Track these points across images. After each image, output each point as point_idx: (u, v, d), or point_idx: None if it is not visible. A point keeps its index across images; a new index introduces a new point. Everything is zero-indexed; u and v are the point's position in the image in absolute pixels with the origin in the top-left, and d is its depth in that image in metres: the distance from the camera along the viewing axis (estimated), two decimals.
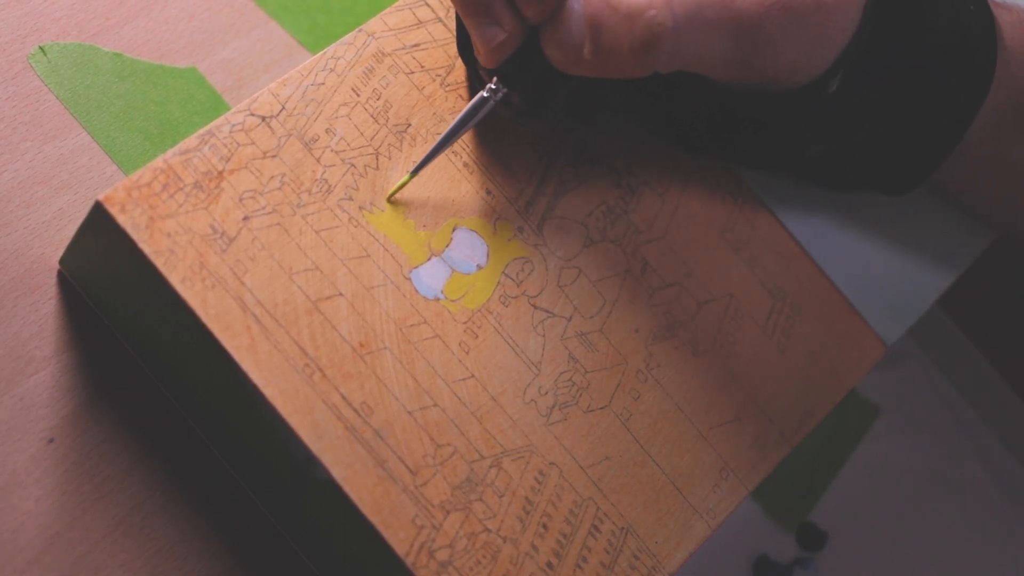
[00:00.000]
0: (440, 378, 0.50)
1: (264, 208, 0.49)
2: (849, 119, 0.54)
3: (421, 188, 0.53)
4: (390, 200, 0.52)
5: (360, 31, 0.54)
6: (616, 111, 0.55)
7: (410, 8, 0.55)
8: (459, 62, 0.55)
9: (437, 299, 0.51)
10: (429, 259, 0.52)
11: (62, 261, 0.52)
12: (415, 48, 0.54)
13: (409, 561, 0.48)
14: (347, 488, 0.48)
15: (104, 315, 0.51)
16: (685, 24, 0.49)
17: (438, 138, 0.52)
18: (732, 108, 0.54)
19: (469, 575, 0.49)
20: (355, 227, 0.51)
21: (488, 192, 0.54)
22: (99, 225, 0.48)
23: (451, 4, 0.54)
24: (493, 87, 0.51)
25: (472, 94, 0.54)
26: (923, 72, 0.54)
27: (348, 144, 0.52)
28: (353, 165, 0.52)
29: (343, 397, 0.48)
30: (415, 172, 0.52)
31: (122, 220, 0.47)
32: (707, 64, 0.51)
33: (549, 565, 0.50)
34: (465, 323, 0.52)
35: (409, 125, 0.53)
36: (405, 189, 0.52)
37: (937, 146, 0.55)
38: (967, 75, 0.54)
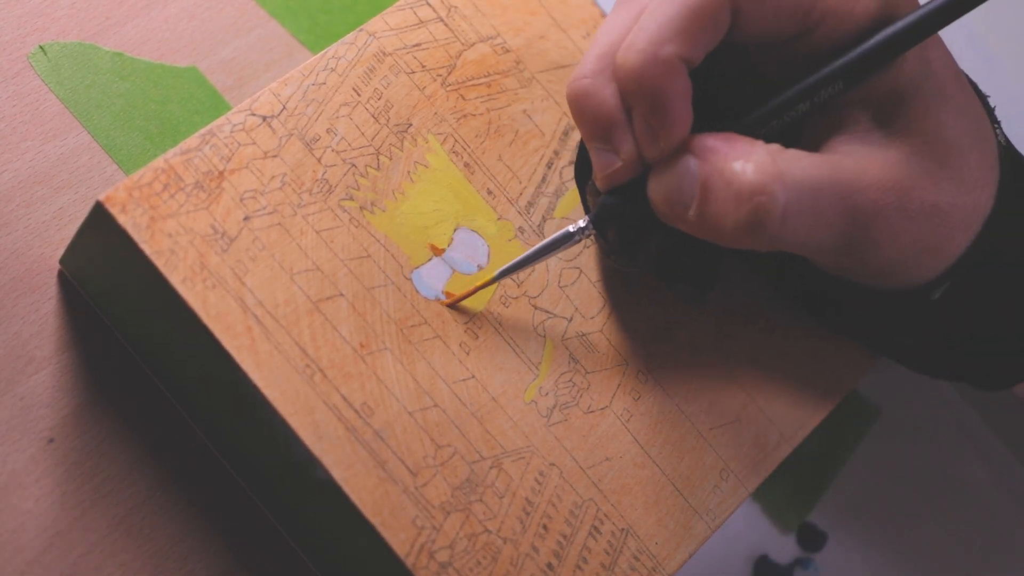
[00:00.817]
0: (440, 379, 0.50)
1: (265, 208, 0.49)
2: (947, 324, 0.53)
3: (422, 188, 0.53)
4: (451, 306, 0.51)
5: (361, 30, 0.54)
6: (695, 280, 0.55)
7: (411, 7, 0.55)
8: (460, 61, 0.55)
9: (438, 299, 0.51)
10: (430, 259, 0.52)
11: (62, 261, 0.52)
12: (416, 48, 0.54)
13: (409, 562, 0.48)
14: (347, 489, 0.47)
15: (104, 315, 0.51)
16: (795, 213, 0.47)
17: (521, 256, 0.51)
18: (828, 291, 0.54)
19: (469, 575, 0.49)
20: (356, 227, 0.51)
21: (489, 192, 0.54)
22: (99, 225, 0.48)
23: (518, 20, 0.54)
24: (583, 226, 0.51)
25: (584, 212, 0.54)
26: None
27: (349, 144, 0.52)
28: (354, 165, 0.52)
29: (343, 398, 0.48)
30: (489, 283, 0.51)
31: (123, 220, 0.47)
32: (810, 252, 0.50)
33: (549, 566, 0.50)
34: (466, 324, 0.52)
35: (410, 125, 0.53)
36: (406, 203, 0.52)
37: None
38: None
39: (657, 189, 0.49)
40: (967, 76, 0.52)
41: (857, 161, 0.49)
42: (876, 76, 0.49)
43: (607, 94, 0.49)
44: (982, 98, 0.53)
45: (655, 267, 0.54)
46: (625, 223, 0.51)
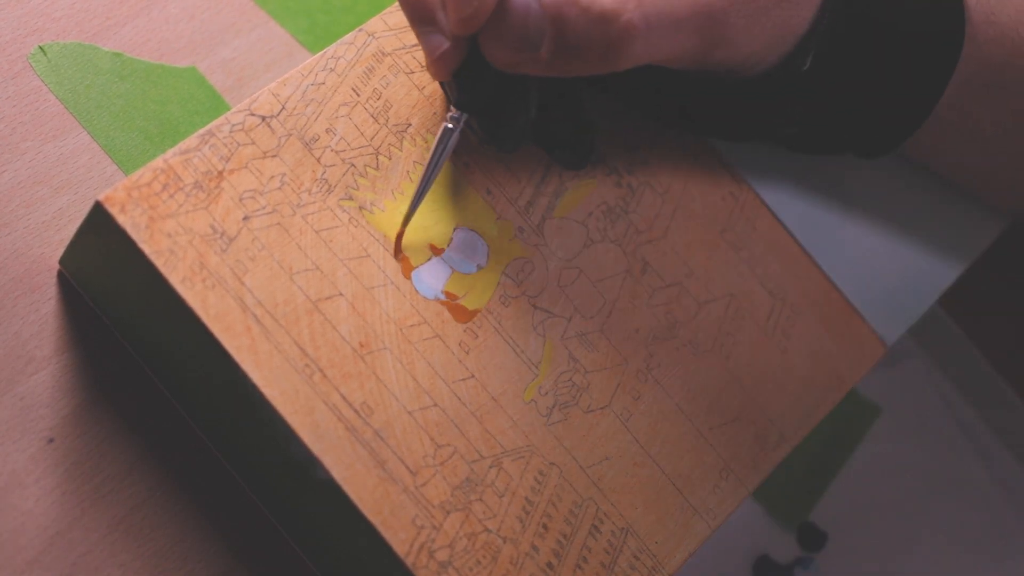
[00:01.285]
0: (440, 378, 0.50)
1: (264, 208, 0.49)
2: (822, 97, 0.54)
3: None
4: (397, 257, 0.51)
5: (360, 31, 0.54)
6: (580, 148, 0.55)
7: None
8: None
9: (437, 299, 0.51)
10: (429, 259, 0.52)
11: (62, 261, 0.52)
12: (415, 48, 0.54)
13: (409, 561, 0.48)
14: (347, 488, 0.47)
15: (104, 315, 0.51)
16: (655, 24, 0.49)
17: (420, 180, 0.51)
18: (700, 95, 0.54)
19: (469, 575, 0.49)
20: (355, 227, 0.51)
21: (488, 192, 0.54)
22: (99, 225, 0.48)
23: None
24: (454, 115, 0.51)
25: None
26: (894, 45, 0.54)
27: (348, 144, 0.52)
28: (353, 165, 0.52)
29: (343, 397, 0.48)
30: (406, 221, 0.51)
31: (122, 220, 0.47)
32: (672, 61, 0.51)
33: (549, 565, 0.50)
34: (465, 323, 0.52)
35: (409, 125, 0.53)
36: (406, 203, 0.52)
37: (908, 118, 0.56)
38: (937, 50, 0.55)
39: (493, 42, 0.49)
40: None
41: None
42: None
43: None
44: None
45: (529, 142, 0.54)
46: (483, 105, 0.51)
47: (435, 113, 0.54)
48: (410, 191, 0.52)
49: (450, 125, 0.51)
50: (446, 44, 0.50)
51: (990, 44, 0.56)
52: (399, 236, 0.51)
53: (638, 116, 0.57)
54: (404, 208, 0.52)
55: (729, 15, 0.50)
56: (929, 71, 0.55)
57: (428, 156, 0.51)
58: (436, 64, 0.50)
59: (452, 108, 0.51)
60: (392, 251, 0.51)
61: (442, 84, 0.53)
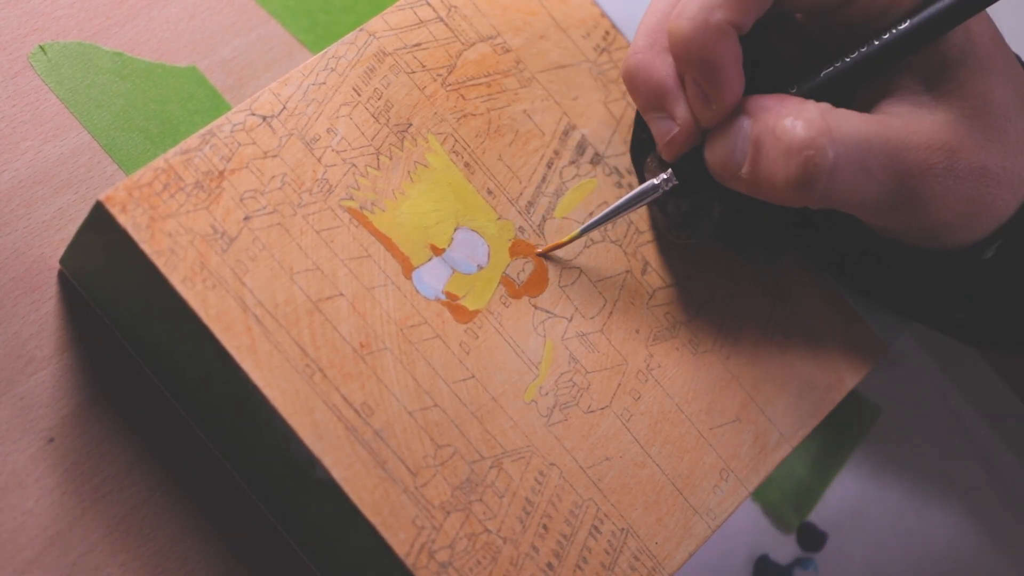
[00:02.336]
0: (440, 378, 0.50)
1: (265, 208, 0.49)
2: (999, 287, 0.54)
3: (423, 188, 0.53)
4: (541, 255, 0.53)
5: (361, 30, 0.54)
6: (765, 243, 0.56)
7: (411, 7, 0.55)
8: (460, 61, 0.55)
9: (438, 299, 0.51)
10: (430, 259, 0.52)
11: (62, 261, 0.52)
12: (416, 47, 0.54)
13: (409, 562, 0.48)
14: (347, 489, 0.47)
15: (104, 315, 0.51)
16: (844, 169, 0.49)
17: (603, 212, 0.53)
18: (881, 255, 0.55)
19: (469, 575, 0.49)
20: (356, 227, 0.51)
21: (489, 192, 0.54)
22: (100, 225, 0.48)
23: (518, 20, 0.55)
24: (666, 176, 0.52)
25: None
26: None
27: (349, 144, 0.52)
28: (354, 165, 0.52)
29: (343, 397, 0.48)
30: (582, 234, 0.53)
31: (123, 220, 0.47)
32: (859, 208, 0.51)
33: (549, 566, 0.50)
34: (466, 323, 0.52)
35: (410, 125, 0.53)
36: (406, 202, 0.52)
37: None
38: None
39: (713, 150, 0.51)
40: (1009, 47, 0.53)
41: (906, 122, 0.50)
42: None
43: (659, 64, 0.51)
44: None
45: (718, 234, 0.55)
46: (692, 184, 0.52)
47: (436, 113, 0.54)
48: (411, 191, 0.52)
49: (657, 182, 0.52)
50: (675, 129, 0.51)
51: None
52: (554, 247, 0.54)
53: (810, 259, 0.58)
54: (405, 208, 0.52)
55: (926, 176, 0.50)
56: None
57: (618, 200, 0.53)
58: (667, 147, 0.52)
59: (669, 172, 0.52)
60: (396, 256, 0.51)
61: (639, 170, 0.55)
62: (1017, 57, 0.54)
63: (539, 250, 0.53)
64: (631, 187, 0.56)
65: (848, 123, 0.49)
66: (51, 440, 0.50)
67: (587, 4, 0.58)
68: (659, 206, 0.54)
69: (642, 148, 0.55)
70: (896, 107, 0.51)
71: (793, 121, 0.49)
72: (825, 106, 0.49)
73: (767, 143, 0.49)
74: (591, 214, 0.55)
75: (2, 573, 0.48)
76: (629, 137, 0.57)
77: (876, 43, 0.50)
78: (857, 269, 0.57)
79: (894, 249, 0.54)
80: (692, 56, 0.50)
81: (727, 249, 0.57)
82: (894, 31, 0.50)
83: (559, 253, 0.54)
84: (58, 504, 0.49)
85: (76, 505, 0.49)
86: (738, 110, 0.50)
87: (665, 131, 0.52)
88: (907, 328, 0.61)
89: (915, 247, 0.53)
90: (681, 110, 0.51)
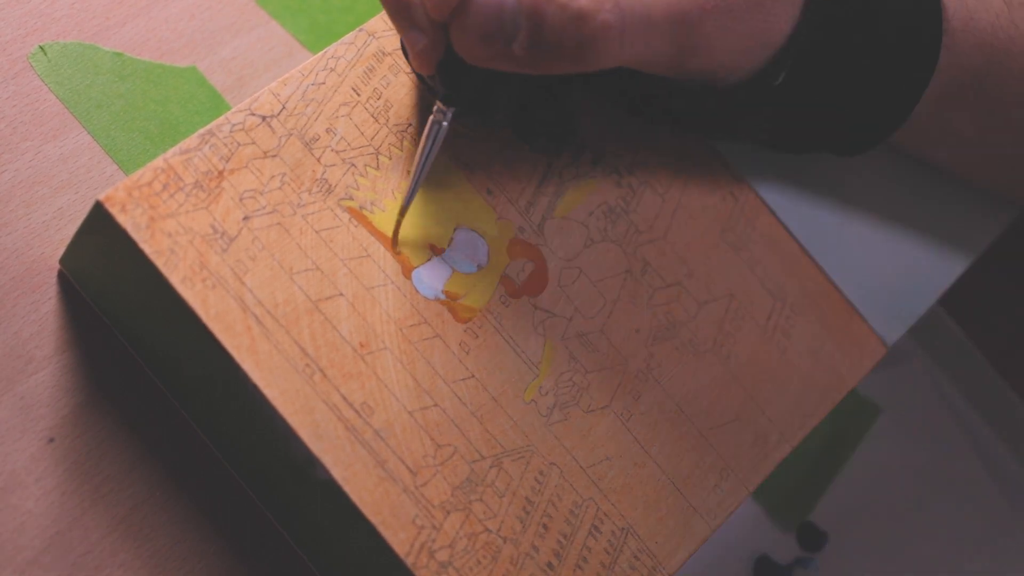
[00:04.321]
0: (440, 378, 0.50)
1: (264, 208, 0.49)
2: (797, 106, 0.54)
3: (423, 187, 0.53)
4: (395, 248, 0.51)
5: (361, 30, 0.54)
6: (552, 132, 0.55)
7: None
8: None
9: (438, 299, 0.51)
10: (430, 259, 0.52)
11: (62, 261, 0.52)
12: None
13: (409, 561, 0.48)
14: (347, 488, 0.47)
15: (104, 315, 0.51)
16: (631, 25, 0.49)
17: (412, 174, 0.51)
18: (674, 99, 0.54)
19: (469, 575, 0.49)
20: (355, 227, 0.51)
21: (489, 192, 0.54)
22: (99, 225, 0.48)
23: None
24: (440, 109, 0.51)
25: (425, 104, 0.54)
26: (871, 57, 0.54)
27: (349, 144, 0.52)
28: (354, 165, 0.52)
29: (343, 397, 0.48)
30: (403, 213, 0.52)
31: (122, 220, 0.47)
32: (646, 64, 0.51)
33: (549, 565, 0.50)
34: (465, 323, 0.52)
35: (410, 125, 0.53)
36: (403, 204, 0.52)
37: (886, 122, 0.56)
38: (914, 56, 0.55)
39: (463, 34, 0.49)
40: None
41: None
42: None
43: None
44: None
45: (511, 123, 0.54)
46: (470, 89, 0.51)
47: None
48: None
49: (436, 118, 0.51)
50: (424, 40, 0.50)
51: (968, 50, 0.56)
52: (395, 232, 0.51)
53: (616, 110, 0.57)
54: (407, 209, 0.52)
55: (704, 21, 0.50)
56: (907, 79, 0.55)
57: (417, 151, 0.52)
58: (419, 58, 0.50)
59: (438, 103, 0.51)
60: (395, 255, 0.51)
61: (422, 79, 0.53)
62: None
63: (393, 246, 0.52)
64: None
65: None
66: (51, 440, 0.50)
67: None
68: (451, 106, 0.51)
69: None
70: None
71: None
72: None
73: (548, 12, 0.48)
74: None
75: (2, 573, 0.48)
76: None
77: None
78: (651, 110, 0.57)
79: (683, 91, 0.54)
80: None
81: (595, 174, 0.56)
82: None
83: (559, 251, 0.54)
84: (58, 504, 0.49)
85: (76, 505, 0.49)
86: None
87: (415, 42, 0.50)
88: (907, 328, 0.61)
89: (707, 84, 0.53)
90: (422, 16, 0.50)
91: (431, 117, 0.51)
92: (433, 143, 0.51)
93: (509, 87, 0.51)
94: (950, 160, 0.61)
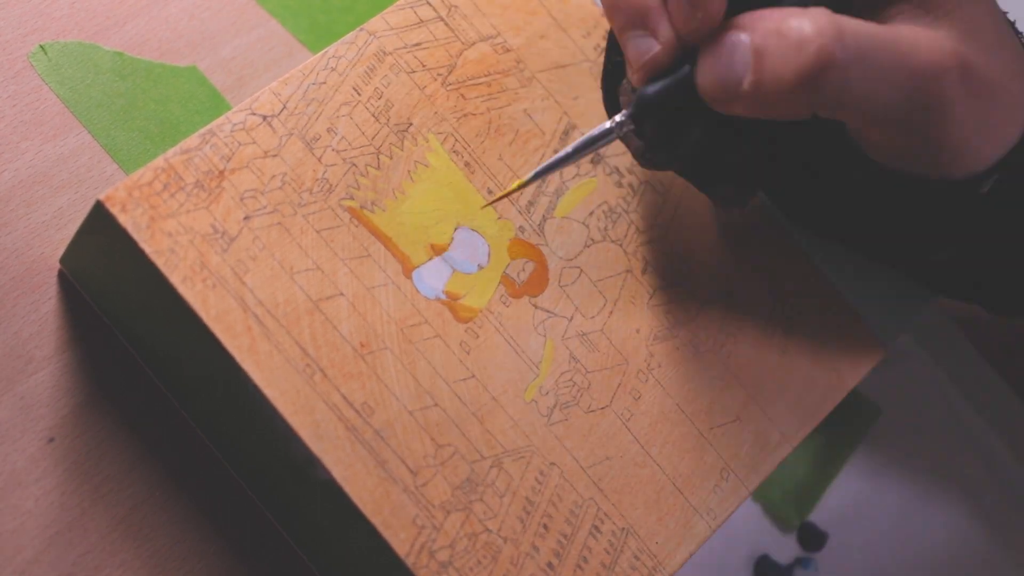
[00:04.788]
0: (441, 378, 0.50)
1: (265, 208, 0.49)
2: (993, 225, 0.52)
3: (423, 187, 0.53)
4: (488, 205, 0.51)
5: (361, 30, 0.54)
6: (735, 179, 0.54)
7: (412, 7, 0.55)
8: (460, 60, 0.55)
9: (438, 299, 0.51)
10: (430, 259, 0.52)
11: (62, 260, 0.51)
12: (417, 47, 0.54)
13: (410, 561, 0.48)
14: (348, 488, 0.47)
15: (104, 315, 0.51)
16: (856, 62, 0.46)
17: (551, 157, 0.51)
18: (871, 187, 0.52)
19: (469, 575, 0.49)
20: (356, 227, 0.51)
21: (489, 192, 0.54)
22: (100, 224, 0.48)
23: (519, 20, 0.53)
24: (621, 120, 0.50)
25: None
26: None
27: (349, 143, 0.52)
28: (354, 164, 0.52)
29: (344, 397, 0.48)
30: (523, 185, 0.51)
31: (123, 220, 0.47)
32: (871, 115, 0.48)
33: (550, 565, 0.50)
34: (466, 323, 0.52)
35: (410, 124, 0.53)
36: (406, 202, 0.52)
37: None
38: None
39: (706, 71, 0.48)
40: None
41: (914, 31, 0.48)
42: None
43: None
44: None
45: (692, 167, 0.53)
46: (664, 115, 0.50)
47: (436, 112, 0.54)
48: (412, 191, 0.52)
49: (609, 125, 0.50)
50: (656, 47, 0.49)
51: None
52: (501, 196, 0.51)
53: (776, 209, 0.56)
54: (405, 207, 0.52)
55: (941, 80, 0.47)
56: None
57: (571, 143, 0.51)
58: (643, 69, 0.49)
59: (623, 113, 0.50)
60: (397, 255, 0.51)
61: (610, 97, 0.52)
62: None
63: (487, 201, 0.51)
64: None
65: (855, 23, 0.47)
66: (51, 440, 0.50)
67: (587, 4, 0.58)
68: (637, 126, 0.50)
69: (614, 74, 0.53)
70: (898, 25, 0.49)
71: (799, 21, 0.46)
72: (826, 9, 0.47)
73: (771, 46, 0.46)
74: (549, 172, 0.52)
75: (2, 573, 0.48)
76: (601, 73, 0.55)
77: None
78: (831, 210, 0.55)
79: (884, 178, 0.52)
80: None
81: (702, 193, 0.54)
82: None
83: (559, 251, 0.54)
84: (58, 504, 0.49)
85: (76, 505, 0.49)
86: (728, 27, 0.48)
87: (644, 51, 0.49)
88: (907, 328, 0.61)
89: (915, 175, 0.51)
90: (663, 26, 0.48)
91: (605, 123, 0.50)
92: (588, 143, 0.50)
93: (700, 123, 0.50)
94: None
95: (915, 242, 0.55)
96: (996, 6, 0.52)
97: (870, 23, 0.48)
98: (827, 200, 0.56)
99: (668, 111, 0.49)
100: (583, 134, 0.52)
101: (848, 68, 0.46)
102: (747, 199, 0.54)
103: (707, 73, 0.48)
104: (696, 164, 0.53)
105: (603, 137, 0.50)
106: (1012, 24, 0.53)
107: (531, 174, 0.51)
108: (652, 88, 0.49)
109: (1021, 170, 0.51)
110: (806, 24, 0.46)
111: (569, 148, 0.51)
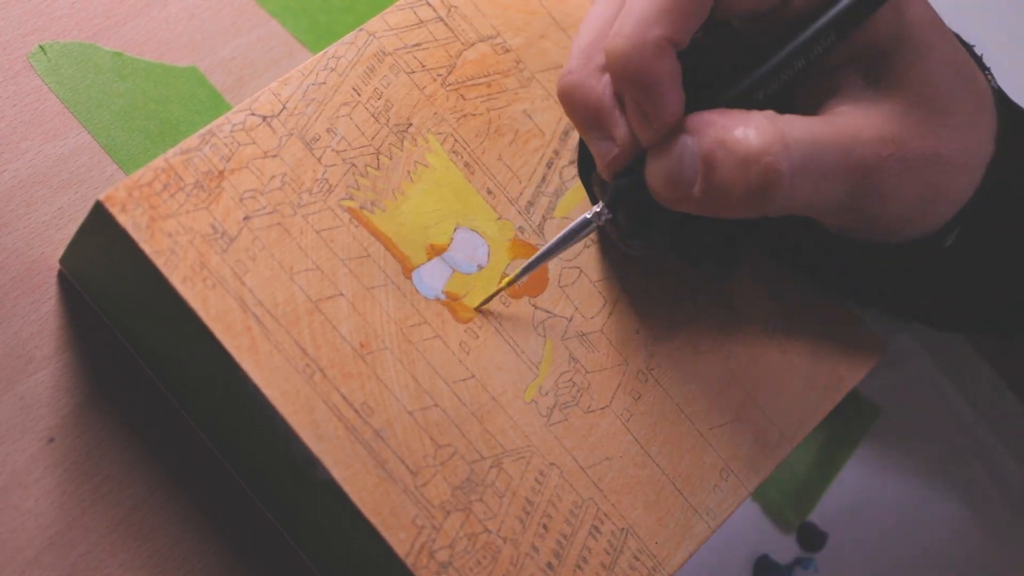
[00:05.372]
0: (440, 378, 0.50)
1: (265, 208, 0.49)
2: (963, 272, 0.53)
3: (423, 187, 0.53)
4: (478, 309, 0.52)
5: (361, 30, 0.54)
6: (717, 257, 0.55)
7: (411, 7, 0.55)
8: (460, 61, 0.55)
9: (438, 299, 0.51)
10: (430, 259, 0.52)
11: (62, 260, 0.52)
12: (416, 47, 0.54)
13: (409, 562, 0.48)
14: (347, 488, 0.47)
15: (104, 315, 0.51)
16: (801, 171, 0.48)
17: (539, 250, 0.52)
18: (840, 254, 0.54)
19: (469, 575, 0.49)
20: (356, 227, 0.51)
21: (489, 192, 0.54)
22: (99, 225, 0.48)
23: (518, 20, 0.55)
24: (598, 211, 0.51)
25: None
26: None
27: (349, 144, 0.52)
28: (354, 165, 0.52)
29: (343, 397, 0.48)
30: (511, 283, 0.52)
31: (123, 220, 0.47)
32: (818, 211, 0.50)
33: (549, 566, 0.50)
34: (466, 323, 0.52)
35: (410, 124, 0.53)
36: (406, 202, 0.52)
37: None
38: None
39: (656, 173, 0.49)
40: (947, 27, 0.52)
41: (853, 118, 0.49)
42: (859, 31, 0.49)
43: (595, 83, 0.50)
44: (967, 47, 0.53)
45: (673, 247, 0.54)
46: (637, 203, 0.51)
47: (436, 112, 0.54)
48: (411, 191, 0.52)
49: (589, 216, 0.51)
50: (615, 150, 0.50)
51: None
52: (489, 298, 0.52)
53: (773, 263, 0.57)
54: (405, 208, 0.52)
55: (880, 169, 0.49)
56: None
57: (556, 236, 0.52)
58: (607, 167, 0.51)
59: (600, 205, 0.51)
60: (396, 256, 0.51)
61: (588, 185, 0.54)
62: (957, 36, 0.53)
63: (475, 306, 0.52)
64: None
65: (797, 126, 0.48)
66: (51, 440, 0.50)
67: (587, 4, 0.58)
68: (613, 213, 0.51)
69: (588, 163, 0.54)
70: (840, 106, 0.50)
71: (744, 130, 0.47)
72: (770, 113, 0.48)
73: (719, 157, 0.47)
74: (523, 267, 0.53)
75: (2, 573, 0.48)
76: (575, 157, 0.56)
77: (817, 24, 0.49)
78: (816, 268, 0.57)
79: (852, 246, 0.53)
80: (630, 75, 0.48)
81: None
82: (818, 21, 0.49)
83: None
84: (58, 504, 0.49)
85: (76, 505, 0.49)
86: (678, 129, 0.49)
87: (604, 152, 0.50)
88: (907, 328, 0.61)
89: (878, 242, 0.53)
90: (620, 130, 0.50)
91: (585, 214, 0.51)
92: (574, 235, 0.51)
93: (672, 212, 0.51)
94: None
95: (894, 295, 0.56)
96: (956, 46, 0.52)
97: (812, 120, 0.49)
98: (807, 265, 0.57)
99: (639, 202, 0.51)
100: (567, 224, 0.53)
101: (794, 178, 0.48)
102: (732, 271, 0.56)
103: (656, 175, 0.49)
104: (676, 245, 0.55)
105: (584, 227, 0.51)
106: (979, 59, 0.53)
107: (519, 271, 0.52)
108: (621, 182, 0.51)
109: (979, 220, 0.52)
110: (751, 136, 0.47)
111: (552, 242, 0.52)
